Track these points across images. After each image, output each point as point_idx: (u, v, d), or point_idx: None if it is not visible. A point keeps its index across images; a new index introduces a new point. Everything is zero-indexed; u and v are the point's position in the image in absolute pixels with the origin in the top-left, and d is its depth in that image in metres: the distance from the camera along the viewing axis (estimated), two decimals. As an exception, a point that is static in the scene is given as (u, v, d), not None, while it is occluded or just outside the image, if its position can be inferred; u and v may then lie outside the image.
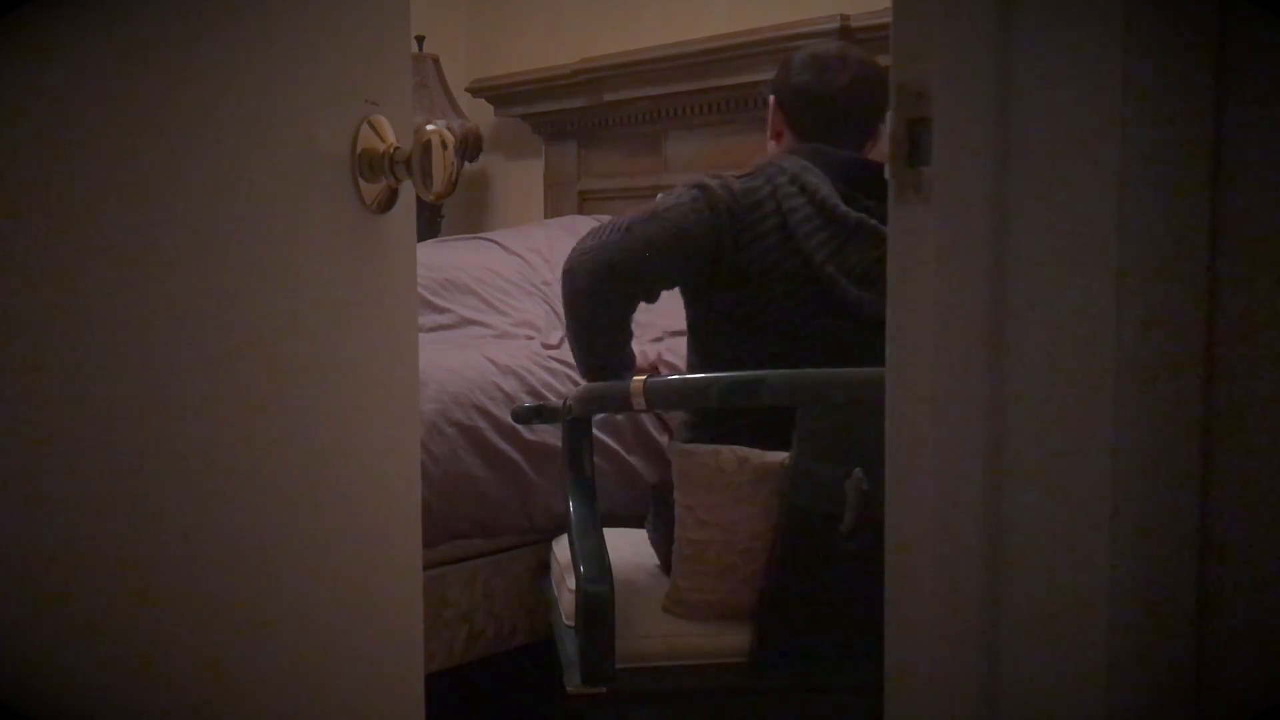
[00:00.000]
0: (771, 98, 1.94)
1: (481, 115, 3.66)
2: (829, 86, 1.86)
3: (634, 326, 1.92)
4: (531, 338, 2.56)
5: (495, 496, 2.12)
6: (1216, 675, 0.72)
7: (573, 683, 1.63)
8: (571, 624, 1.75)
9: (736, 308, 1.77)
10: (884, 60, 2.56)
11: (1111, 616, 0.69)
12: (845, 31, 2.57)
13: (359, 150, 0.99)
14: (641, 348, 2.08)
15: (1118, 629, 0.69)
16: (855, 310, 1.75)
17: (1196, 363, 0.70)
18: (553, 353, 2.36)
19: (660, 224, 1.76)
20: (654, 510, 1.93)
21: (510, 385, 2.16)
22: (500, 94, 3.55)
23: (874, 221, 1.75)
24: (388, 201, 1.02)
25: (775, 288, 1.75)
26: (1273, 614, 0.69)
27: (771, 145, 1.95)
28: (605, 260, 1.78)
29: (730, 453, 1.64)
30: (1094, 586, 0.70)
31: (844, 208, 1.74)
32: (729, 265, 1.76)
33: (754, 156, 1.92)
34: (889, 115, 0.76)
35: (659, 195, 1.84)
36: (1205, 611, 0.72)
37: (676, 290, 1.86)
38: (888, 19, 0.77)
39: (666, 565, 1.87)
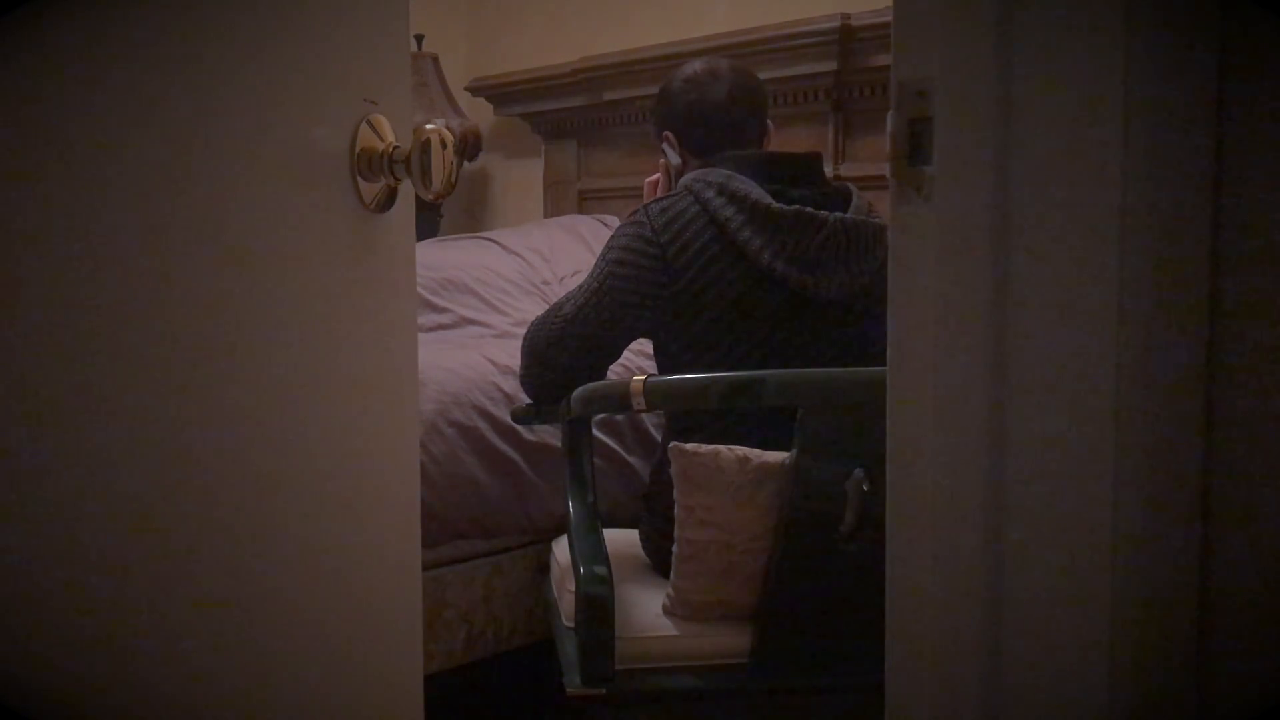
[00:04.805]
0: (666, 133, 2.01)
1: (481, 114, 3.66)
2: (713, 98, 1.96)
3: None
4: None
5: (495, 497, 2.11)
6: (1216, 675, 0.72)
7: (572, 684, 1.63)
8: (571, 625, 1.74)
9: (694, 322, 1.78)
10: (884, 60, 2.59)
11: (1112, 616, 0.69)
12: (845, 31, 2.57)
13: (358, 149, 0.99)
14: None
15: (1118, 629, 0.69)
16: (812, 294, 1.77)
17: (1198, 362, 0.70)
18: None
19: (603, 305, 1.84)
20: (645, 512, 1.93)
21: (510, 385, 2.16)
22: (499, 93, 3.55)
23: (809, 209, 1.78)
24: (387, 201, 1.02)
25: (728, 296, 1.76)
26: (1273, 614, 0.69)
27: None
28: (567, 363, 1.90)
29: (730, 453, 1.64)
30: (1094, 586, 0.69)
31: (777, 204, 1.77)
32: (671, 292, 1.78)
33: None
34: (890, 115, 0.75)
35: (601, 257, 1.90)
36: (1205, 611, 0.72)
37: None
38: (888, 18, 0.77)
39: (657, 566, 1.88)
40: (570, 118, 3.38)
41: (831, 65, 2.62)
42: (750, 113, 1.98)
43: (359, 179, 0.99)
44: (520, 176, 3.71)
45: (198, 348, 0.87)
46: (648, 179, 2.12)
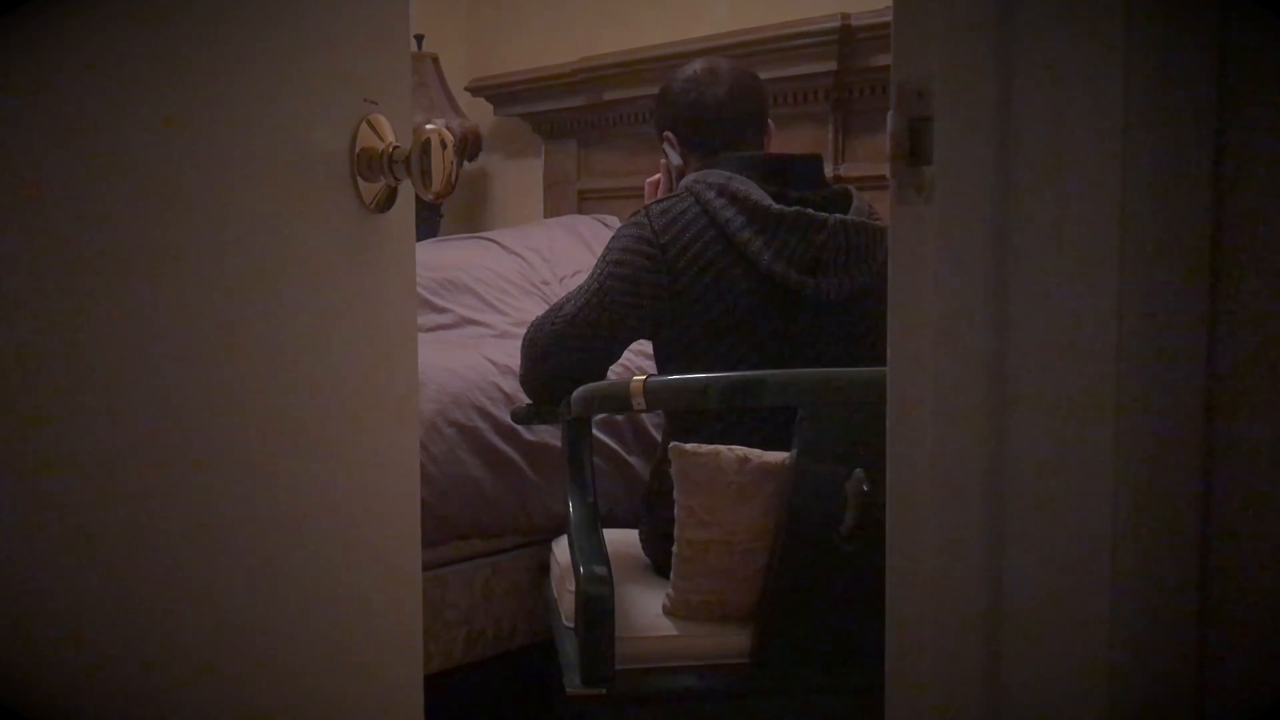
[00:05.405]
0: (667, 133, 2.01)
1: (481, 114, 3.66)
2: (713, 98, 1.96)
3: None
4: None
5: (495, 497, 2.11)
6: (1216, 675, 0.72)
7: (573, 684, 1.63)
8: (571, 625, 1.75)
9: (694, 323, 1.78)
10: (884, 60, 2.60)
11: (1112, 616, 0.69)
12: (845, 31, 2.57)
13: (358, 149, 0.99)
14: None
15: (1118, 629, 0.69)
16: (813, 296, 1.77)
17: (1198, 362, 0.70)
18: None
19: (606, 305, 1.84)
20: (645, 512, 1.93)
21: (510, 385, 2.16)
22: (500, 93, 3.55)
23: (809, 210, 1.78)
24: (387, 201, 1.02)
25: (729, 297, 1.77)
26: (1273, 614, 0.69)
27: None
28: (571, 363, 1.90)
29: (730, 453, 1.64)
30: (1094, 586, 0.69)
31: (776, 205, 1.77)
32: (671, 293, 1.79)
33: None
34: (890, 115, 0.75)
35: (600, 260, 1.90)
36: (1205, 611, 0.72)
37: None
38: (888, 18, 0.77)
39: (657, 566, 1.88)
40: (570, 118, 3.38)
41: (831, 65, 2.62)
42: (750, 112, 1.98)
43: (359, 179, 0.99)
44: (520, 176, 3.71)
45: (197, 347, 0.87)
46: (648, 179, 2.12)
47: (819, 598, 1.67)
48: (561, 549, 1.94)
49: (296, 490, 0.97)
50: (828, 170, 2.44)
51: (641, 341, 1.93)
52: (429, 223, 3.46)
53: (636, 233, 1.83)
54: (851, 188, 1.91)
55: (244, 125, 0.90)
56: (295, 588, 0.97)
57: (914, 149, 0.74)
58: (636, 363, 2.19)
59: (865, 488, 1.59)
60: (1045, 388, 0.70)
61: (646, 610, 1.74)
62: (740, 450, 1.64)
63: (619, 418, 2.25)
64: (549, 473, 2.15)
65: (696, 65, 2.01)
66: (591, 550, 1.70)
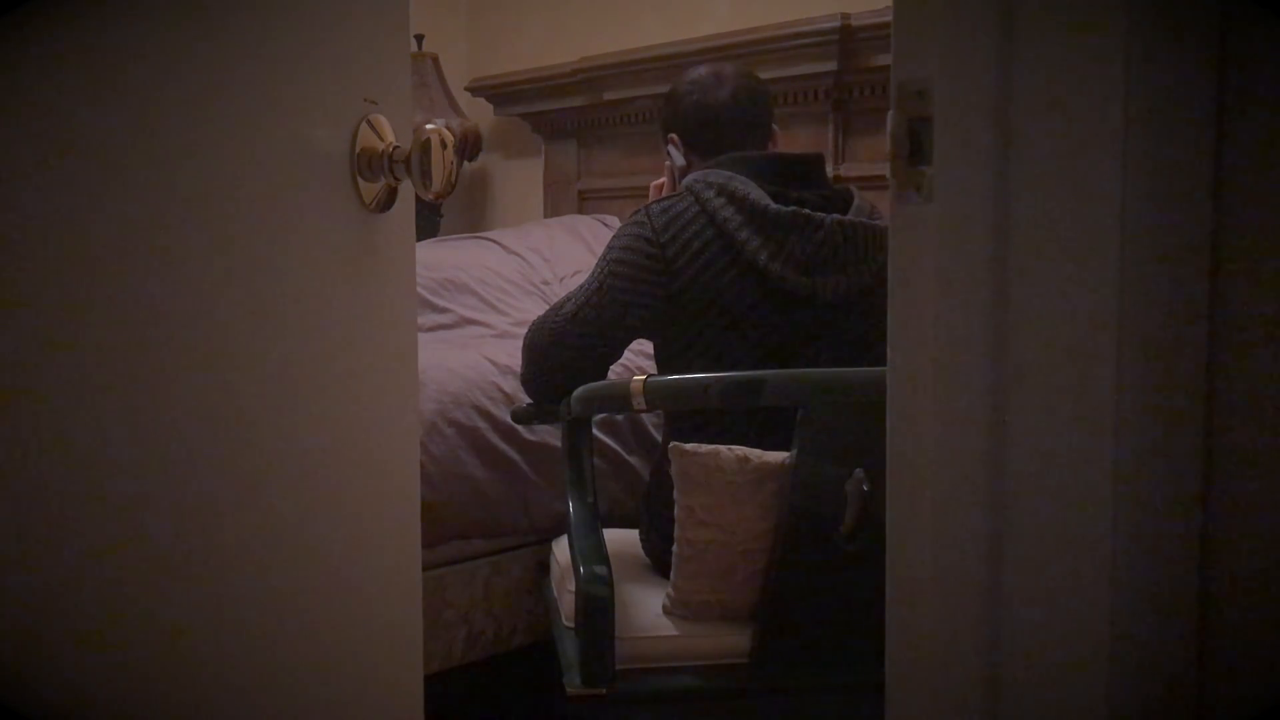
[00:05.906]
0: (672, 136, 2.03)
1: (481, 114, 3.66)
2: (716, 100, 1.98)
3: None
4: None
5: (495, 497, 2.11)
6: (1216, 675, 0.72)
7: (572, 684, 1.63)
8: (571, 625, 1.75)
9: (694, 323, 1.78)
10: (884, 60, 2.60)
11: (1112, 617, 0.69)
12: (845, 31, 2.57)
13: (358, 149, 0.99)
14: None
15: (1118, 629, 0.69)
16: (811, 296, 1.77)
17: (1198, 362, 0.70)
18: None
19: (605, 304, 1.85)
20: (645, 512, 1.94)
21: (510, 385, 2.16)
22: (500, 93, 3.55)
23: (807, 211, 1.78)
24: (387, 201, 1.02)
25: (728, 297, 1.77)
26: (1273, 614, 0.69)
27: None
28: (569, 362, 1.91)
29: (730, 453, 1.64)
30: (1094, 586, 0.69)
31: (775, 206, 1.77)
32: (671, 292, 1.79)
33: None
34: (890, 115, 0.75)
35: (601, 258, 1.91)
36: (1205, 611, 0.72)
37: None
38: (888, 18, 0.77)
39: (657, 566, 1.88)
40: (570, 118, 3.38)
41: (831, 65, 2.62)
42: (754, 115, 1.99)
43: (359, 179, 0.99)
44: (520, 176, 3.71)
45: (197, 348, 0.87)
46: (654, 182, 2.12)
47: (819, 598, 1.67)
48: (561, 549, 1.94)
49: (296, 490, 0.97)
50: (828, 170, 2.44)
51: (641, 341, 1.93)
52: (429, 223, 3.46)
53: (637, 232, 1.83)
54: (853, 188, 1.92)
55: (243, 125, 0.90)
56: (295, 588, 0.97)
57: (914, 149, 0.74)
58: (636, 363, 2.20)
59: (865, 488, 1.59)
60: (1045, 388, 0.70)
61: (646, 610, 1.74)
62: (740, 450, 1.64)
63: (619, 418, 2.25)
64: (549, 473, 2.15)
65: (702, 69, 2.03)
66: (591, 550, 1.70)
